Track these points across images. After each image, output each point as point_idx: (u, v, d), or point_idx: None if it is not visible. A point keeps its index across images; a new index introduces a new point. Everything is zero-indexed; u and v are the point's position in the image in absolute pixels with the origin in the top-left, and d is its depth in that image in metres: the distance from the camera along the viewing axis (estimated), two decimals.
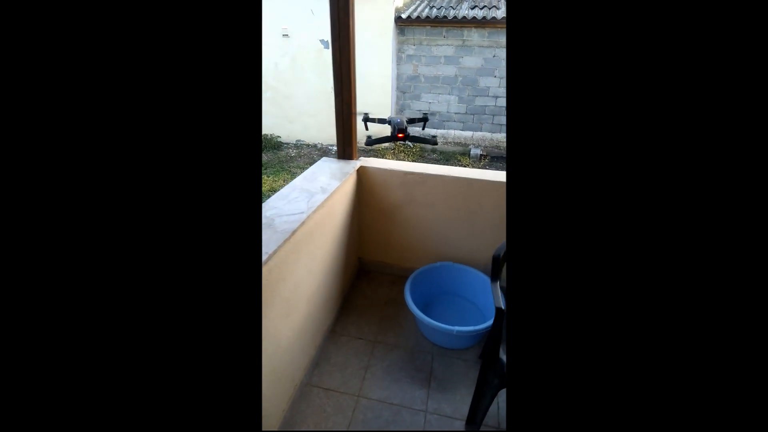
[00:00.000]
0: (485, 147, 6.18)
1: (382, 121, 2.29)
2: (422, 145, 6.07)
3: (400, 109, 6.57)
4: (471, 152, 6.11)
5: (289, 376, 1.32)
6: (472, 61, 6.00)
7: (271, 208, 1.29)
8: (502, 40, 5.77)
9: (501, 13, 5.70)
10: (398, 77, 6.37)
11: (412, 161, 5.95)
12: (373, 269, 2.10)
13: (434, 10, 5.95)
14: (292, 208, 1.31)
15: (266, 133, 6.63)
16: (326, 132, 6.35)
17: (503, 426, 1.36)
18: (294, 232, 1.18)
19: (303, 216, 1.25)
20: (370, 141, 2.08)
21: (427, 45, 6.07)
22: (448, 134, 6.31)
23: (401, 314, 1.81)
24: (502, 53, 5.85)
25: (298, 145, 6.61)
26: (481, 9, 5.85)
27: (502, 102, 6.14)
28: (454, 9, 5.93)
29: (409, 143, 6.12)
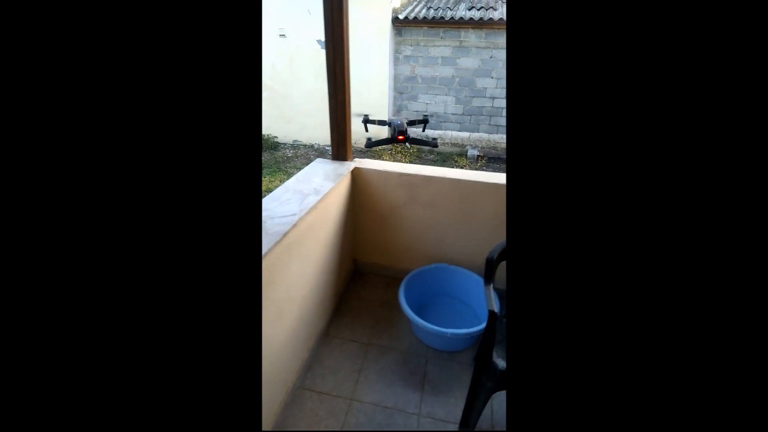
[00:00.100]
0: (482, 148, 6.19)
1: (382, 122, 2.28)
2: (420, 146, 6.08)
3: (398, 110, 6.56)
4: (468, 153, 6.11)
5: (280, 379, 1.31)
6: (469, 62, 6.01)
7: (263, 210, 1.28)
8: (499, 41, 5.78)
9: (498, 14, 5.71)
10: (395, 78, 6.36)
11: (410, 162, 5.94)
12: (368, 271, 2.09)
13: (431, 10, 5.95)
14: (285, 209, 1.29)
15: (263, 133, 6.62)
16: (323, 132, 6.30)
17: (497, 428, 1.35)
18: (286, 234, 1.16)
19: (295, 218, 1.24)
20: (370, 143, 2.07)
21: (425, 46, 6.07)
22: (445, 135, 6.31)
23: (396, 316, 1.80)
24: (499, 54, 5.86)
25: (295, 146, 6.59)
26: (479, 10, 5.85)
27: (499, 103, 6.14)
28: (451, 10, 5.94)
29: (408, 145, 6.12)
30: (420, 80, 6.29)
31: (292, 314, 1.33)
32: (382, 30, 5.89)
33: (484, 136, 6.25)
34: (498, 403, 1.41)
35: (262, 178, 5.08)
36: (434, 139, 1.98)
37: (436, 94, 6.32)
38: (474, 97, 6.19)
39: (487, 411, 1.39)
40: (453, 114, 6.37)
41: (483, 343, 1.18)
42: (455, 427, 1.34)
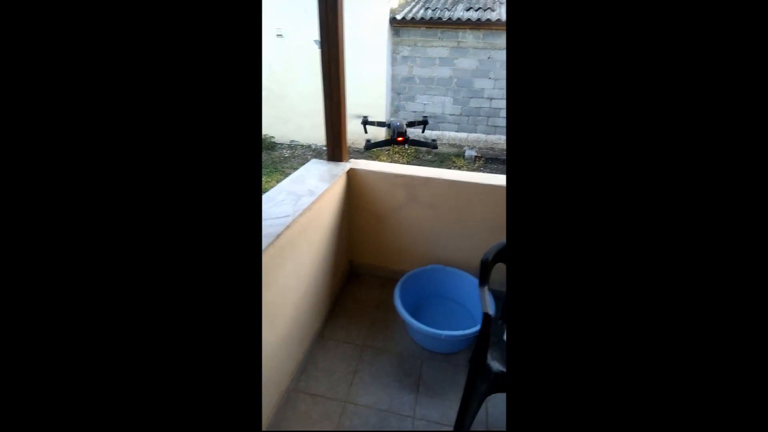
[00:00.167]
0: (480, 148, 6.19)
1: (381, 124, 2.27)
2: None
3: (395, 110, 6.56)
4: (466, 154, 6.11)
5: (274, 382, 1.30)
6: (466, 63, 6.01)
7: None
8: (497, 41, 5.79)
9: (496, 15, 5.71)
10: (393, 78, 6.36)
11: (407, 162, 5.94)
12: (364, 272, 2.08)
13: (429, 11, 5.95)
14: (278, 211, 1.28)
15: None
16: (320, 133, 6.28)
17: (491, 431, 1.35)
18: (278, 236, 1.15)
19: (288, 219, 1.23)
20: (369, 145, 2.06)
21: (422, 46, 6.07)
22: (443, 135, 6.31)
23: (391, 318, 1.79)
24: (497, 55, 5.87)
25: (292, 146, 6.58)
26: (476, 11, 5.86)
27: (497, 104, 6.15)
28: (449, 10, 5.94)
29: (406, 146, 6.12)
30: (418, 81, 6.29)
31: (285, 316, 1.32)
32: (379, 30, 5.89)
33: (482, 136, 6.25)
34: (493, 405, 1.41)
35: None
36: (433, 140, 1.97)
37: (434, 95, 6.32)
38: (472, 97, 6.19)
39: (481, 413, 1.38)
40: (451, 114, 6.37)
41: (477, 346, 1.17)
42: (450, 430, 1.33)
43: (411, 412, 1.39)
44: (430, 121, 6.45)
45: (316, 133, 6.41)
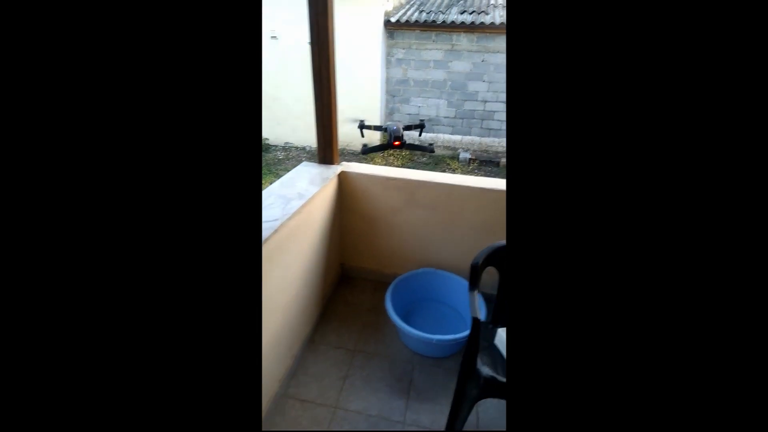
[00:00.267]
0: (474, 151, 6.20)
1: (378, 128, 2.26)
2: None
3: (390, 112, 6.56)
4: (460, 156, 6.13)
5: (263, 387, 1.28)
6: (461, 66, 6.03)
7: None
8: (491, 45, 5.82)
9: (489, 18, 5.75)
10: (388, 80, 6.36)
11: (402, 164, 5.94)
12: (355, 275, 2.07)
13: (423, 14, 5.98)
14: (266, 215, 1.27)
15: None
16: (315, 134, 6.32)
17: None
18: (267, 240, 1.14)
19: (277, 223, 1.22)
20: (366, 149, 2.05)
21: (417, 49, 6.09)
22: (437, 138, 6.32)
23: (383, 321, 1.78)
24: (491, 58, 5.89)
25: (287, 148, 6.56)
26: (470, 14, 5.89)
27: (491, 106, 6.17)
28: (443, 14, 5.96)
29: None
30: (412, 83, 6.30)
31: (274, 321, 1.31)
32: (374, 33, 5.90)
33: (476, 139, 6.27)
34: (483, 410, 1.40)
35: None
36: (430, 144, 1.98)
37: (429, 97, 6.33)
38: (466, 100, 6.21)
39: (472, 419, 1.37)
40: (445, 117, 6.39)
41: (467, 351, 1.16)
42: None
43: (401, 417, 1.38)
44: (425, 124, 6.50)
45: (310, 135, 6.34)
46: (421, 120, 2.16)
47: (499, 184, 1.73)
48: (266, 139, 6.62)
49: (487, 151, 6.20)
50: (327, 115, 1.65)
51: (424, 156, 6.21)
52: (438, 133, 6.39)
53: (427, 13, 6.01)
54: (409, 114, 6.50)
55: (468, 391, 1.18)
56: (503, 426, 1.36)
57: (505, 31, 5.64)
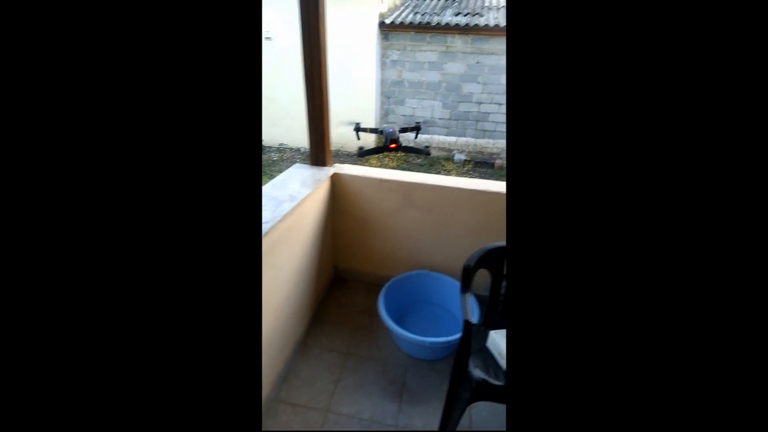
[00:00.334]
0: (469, 152, 6.22)
1: (374, 131, 2.26)
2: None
3: (385, 114, 6.56)
4: (455, 157, 6.14)
5: None
6: (455, 67, 6.04)
7: None
8: (485, 46, 5.84)
9: (484, 20, 5.77)
10: (383, 82, 6.36)
11: (397, 166, 5.93)
12: (349, 277, 2.06)
13: (418, 16, 5.98)
14: None
15: None
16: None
17: None
18: None
19: (267, 226, 1.21)
20: (362, 152, 2.04)
21: (411, 50, 6.09)
22: (432, 139, 6.32)
23: (376, 324, 1.77)
24: (485, 60, 5.91)
25: (281, 149, 6.53)
26: (465, 16, 5.90)
27: (485, 108, 6.19)
28: (437, 15, 5.97)
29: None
30: (407, 85, 6.30)
31: (266, 325, 1.29)
32: (369, 34, 5.89)
33: (471, 140, 6.28)
34: (476, 413, 1.39)
35: None
36: (426, 147, 1.98)
37: (423, 99, 6.34)
38: (460, 102, 6.22)
39: (465, 421, 1.37)
40: (440, 118, 6.40)
41: (459, 353, 1.16)
42: None
43: (394, 421, 1.37)
44: (421, 126, 6.50)
45: (305, 136, 6.36)
46: (417, 122, 2.16)
47: (493, 186, 1.73)
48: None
49: (481, 152, 6.21)
50: (319, 116, 1.64)
51: (419, 157, 6.21)
52: (433, 134, 6.39)
53: (422, 14, 6.02)
54: (404, 115, 6.50)
55: (460, 394, 1.17)
56: (496, 428, 1.36)
57: (499, 33, 5.66)
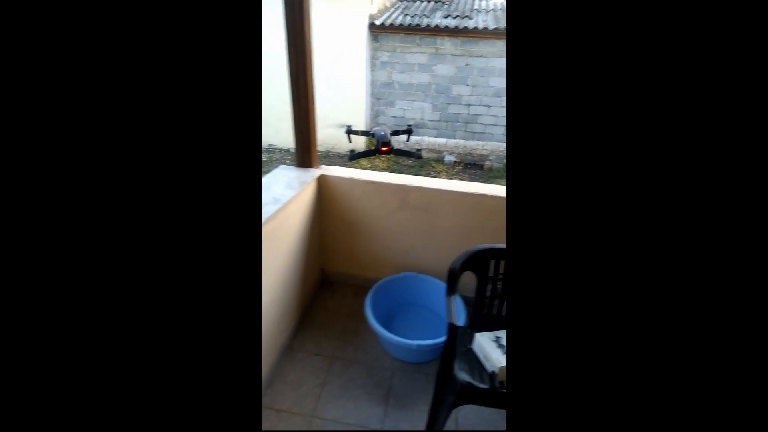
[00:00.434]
0: (458, 154, 6.24)
1: (365, 133, 2.24)
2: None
3: (375, 115, 6.56)
4: (445, 159, 6.16)
5: None
6: (445, 69, 6.07)
7: None
8: (475, 49, 5.88)
9: (473, 23, 5.81)
10: (372, 83, 6.36)
11: (387, 167, 5.93)
12: (336, 280, 2.04)
13: (408, 17, 6.00)
14: None
15: None
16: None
17: None
18: None
19: None
20: (354, 155, 2.03)
21: (401, 52, 6.10)
22: (422, 141, 6.34)
23: (363, 327, 1.75)
24: (475, 62, 5.95)
25: (270, 150, 6.47)
26: (454, 18, 5.94)
27: (475, 110, 6.23)
28: (427, 17, 6.00)
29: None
30: (397, 86, 6.31)
31: None
32: (359, 35, 5.89)
33: (461, 142, 6.31)
34: (463, 416, 1.39)
35: None
36: (418, 150, 1.98)
37: (413, 101, 6.35)
38: (450, 104, 6.25)
39: (452, 423, 1.36)
40: (430, 120, 6.42)
41: (444, 357, 1.15)
42: None
43: (380, 425, 1.35)
44: (413, 129, 6.51)
45: None
46: (409, 125, 2.15)
47: (481, 188, 1.73)
48: None
49: (471, 154, 6.25)
50: (305, 117, 1.63)
51: (409, 159, 6.22)
52: (423, 136, 6.41)
53: (412, 16, 6.03)
54: (394, 117, 6.50)
55: (445, 397, 1.17)
56: (482, 431, 1.36)
57: (488, 35, 5.71)
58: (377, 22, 5.85)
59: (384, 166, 5.94)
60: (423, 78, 6.17)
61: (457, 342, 1.15)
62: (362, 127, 6.26)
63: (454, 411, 1.26)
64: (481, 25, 5.72)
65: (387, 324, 1.68)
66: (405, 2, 6.81)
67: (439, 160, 6.19)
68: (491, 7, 6.59)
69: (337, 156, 6.14)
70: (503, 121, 6.14)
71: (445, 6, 6.55)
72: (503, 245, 1.32)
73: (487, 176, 5.84)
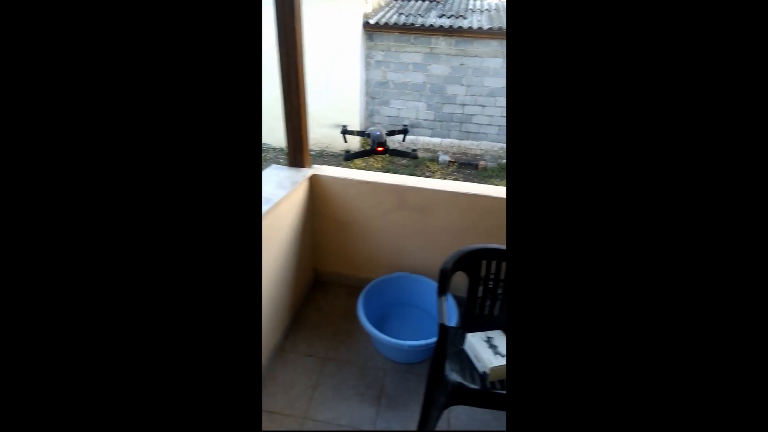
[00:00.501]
0: (453, 153, 6.26)
1: (361, 133, 2.23)
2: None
3: (369, 114, 6.54)
4: (439, 158, 6.17)
5: None
6: (439, 69, 6.07)
7: None
8: (469, 48, 5.88)
9: (467, 22, 5.82)
10: (367, 83, 6.34)
11: (382, 167, 5.93)
12: (329, 280, 2.03)
13: (402, 17, 5.99)
14: None
15: None
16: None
17: None
18: None
19: None
20: (349, 155, 2.02)
21: (396, 51, 6.09)
22: (417, 141, 6.34)
23: (355, 328, 1.75)
24: (469, 62, 5.96)
25: (264, 149, 6.43)
26: (449, 18, 5.94)
27: (469, 110, 6.24)
28: (422, 17, 6.00)
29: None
30: (392, 85, 6.30)
31: None
32: (353, 34, 5.87)
33: (455, 141, 6.32)
34: (455, 416, 1.39)
35: None
36: (414, 150, 1.98)
37: (408, 100, 6.34)
38: (445, 103, 6.26)
39: (444, 424, 1.36)
40: (425, 120, 6.42)
41: (435, 357, 1.15)
42: None
43: (372, 426, 1.35)
44: (408, 129, 6.51)
45: None
46: (405, 125, 2.15)
47: (474, 188, 1.73)
48: None
49: (465, 153, 6.26)
50: (296, 116, 1.62)
51: (404, 159, 6.22)
52: (417, 135, 6.41)
53: (406, 15, 6.03)
54: (388, 116, 6.49)
55: (436, 398, 1.16)
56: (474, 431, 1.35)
57: (482, 35, 5.72)
58: (372, 21, 5.83)
59: (378, 165, 5.94)
60: (418, 77, 6.17)
61: (449, 342, 1.15)
62: (357, 126, 6.24)
63: (446, 411, 1.26)
64: (475, 25, 5.73)
65: (380, 324, 1.67)
66: (399, 1, 6.80)
67: (434, 160, 6.20)
68: (485, 6, 6.61)
69: (332, 155, 6.12)
70: (497, 120, 6.16)
71: (440, 5, 6.55)
72: (495, 245, 1.32)
73: (482, 176, 5.86)
